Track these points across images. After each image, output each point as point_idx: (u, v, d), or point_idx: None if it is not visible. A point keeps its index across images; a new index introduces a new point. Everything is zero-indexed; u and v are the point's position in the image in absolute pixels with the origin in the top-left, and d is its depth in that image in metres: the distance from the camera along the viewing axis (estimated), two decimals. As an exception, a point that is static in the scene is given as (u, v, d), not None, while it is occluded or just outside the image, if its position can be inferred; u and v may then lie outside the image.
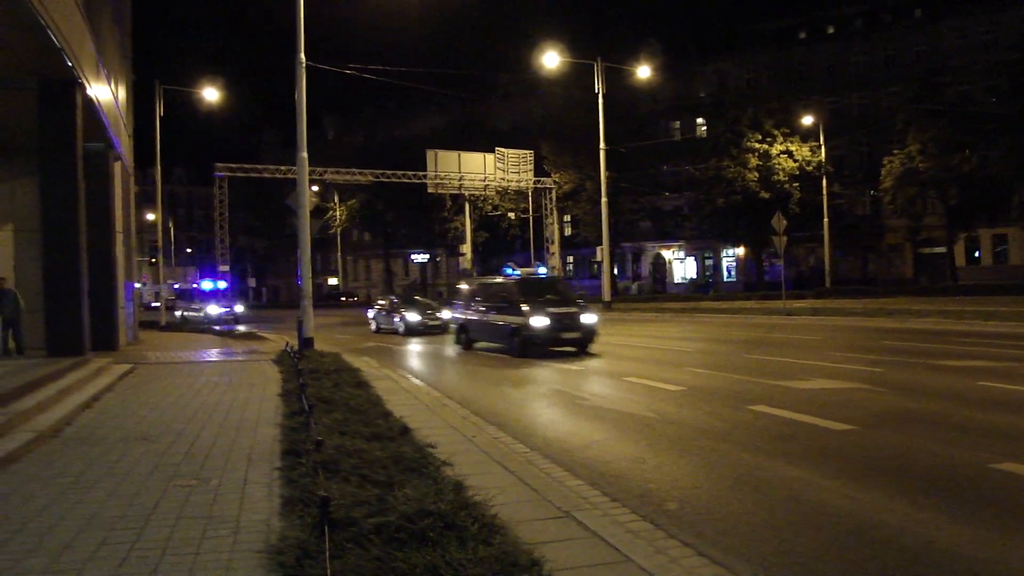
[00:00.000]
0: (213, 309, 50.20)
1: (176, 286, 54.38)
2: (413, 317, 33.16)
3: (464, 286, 27.75)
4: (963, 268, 57.35)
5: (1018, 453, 9.07)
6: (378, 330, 35.56)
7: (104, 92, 21.03)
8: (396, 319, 34.03)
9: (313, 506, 5.96)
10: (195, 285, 56.48)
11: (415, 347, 27.61)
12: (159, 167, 44.26)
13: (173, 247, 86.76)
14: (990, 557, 6.11)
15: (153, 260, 55.83)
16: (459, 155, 53.32)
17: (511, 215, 69.11)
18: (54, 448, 9.82)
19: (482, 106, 78.78)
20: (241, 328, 40.16)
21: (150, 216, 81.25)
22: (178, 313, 48.81)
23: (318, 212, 71.77)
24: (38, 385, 13.08)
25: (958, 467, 8.68)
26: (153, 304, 61.24)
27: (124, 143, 27.35)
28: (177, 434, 10.52)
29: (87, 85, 17.74)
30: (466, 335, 25.46)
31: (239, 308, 51.41)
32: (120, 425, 11.37)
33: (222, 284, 57.62)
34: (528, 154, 55.93)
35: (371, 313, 37.39)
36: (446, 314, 31.88)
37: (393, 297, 37.41)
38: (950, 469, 8.61)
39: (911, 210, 53.50)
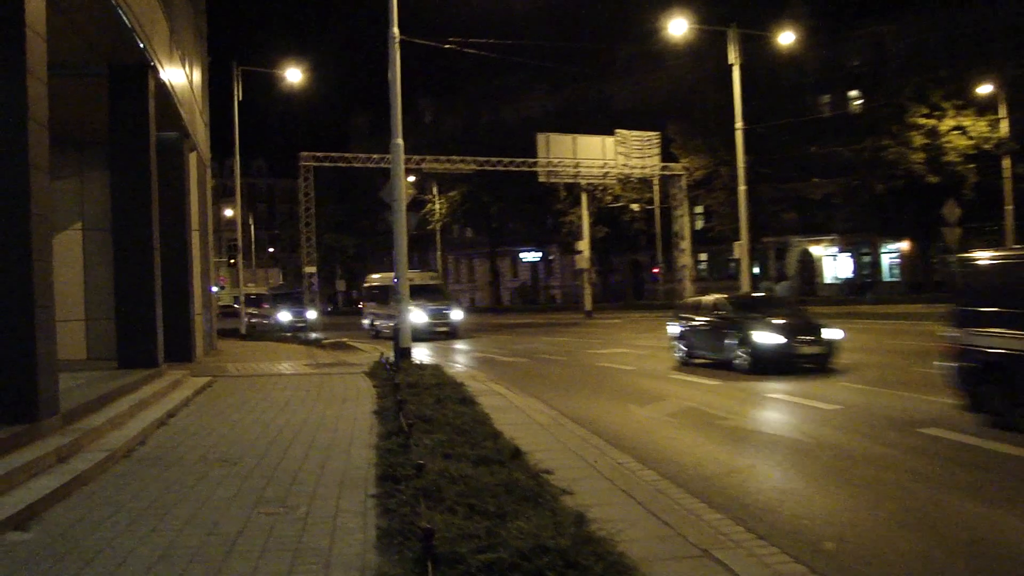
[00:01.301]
0: (419, 316, 50.11)
1: (367, 283, 55.30)
2: (774, 340, 20.41)
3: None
4: None
5: None
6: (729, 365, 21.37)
7: (178, 76, 21.66)
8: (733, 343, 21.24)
9: (414, 539, 5.96)
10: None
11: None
12: (237, 158, 45.27)
13: (253, 246, 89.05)
14: None
15: (232, 261, 57.38)
16: (574, 139, 53.19)
17: (634, 206, 68.63)
18: (127, 469, 10.12)
19: (599, 83, 78.55)
20: (314, 336, 40.91)
21: (228, 212, 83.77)
22: (366, 322, 47.84)
23: (415, 205, 72.62)
24: (109, 399, 13.50)
25: None
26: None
27: (200, 132, 28.13)
28: (260, 455, 10.72)
29: (160, 68, 18.28)
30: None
31: (312, 314, 51.87)
32: (198, 444, 11.65)
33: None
34: (653, 136, 55.48)
35: (675, 330, 24.17)
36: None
37: (720, 301, 23.64)
38: None
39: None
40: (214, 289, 36.56)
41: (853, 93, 68.96)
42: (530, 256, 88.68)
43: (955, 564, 6.94)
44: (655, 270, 73.93)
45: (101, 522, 7.78)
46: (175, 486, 9.15)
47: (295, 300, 53.17)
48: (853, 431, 12.50)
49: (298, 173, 51.65)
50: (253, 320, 49.46)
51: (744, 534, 7.52)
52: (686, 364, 22.77)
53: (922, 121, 54.28)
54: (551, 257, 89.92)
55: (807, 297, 65.89)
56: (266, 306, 52.80)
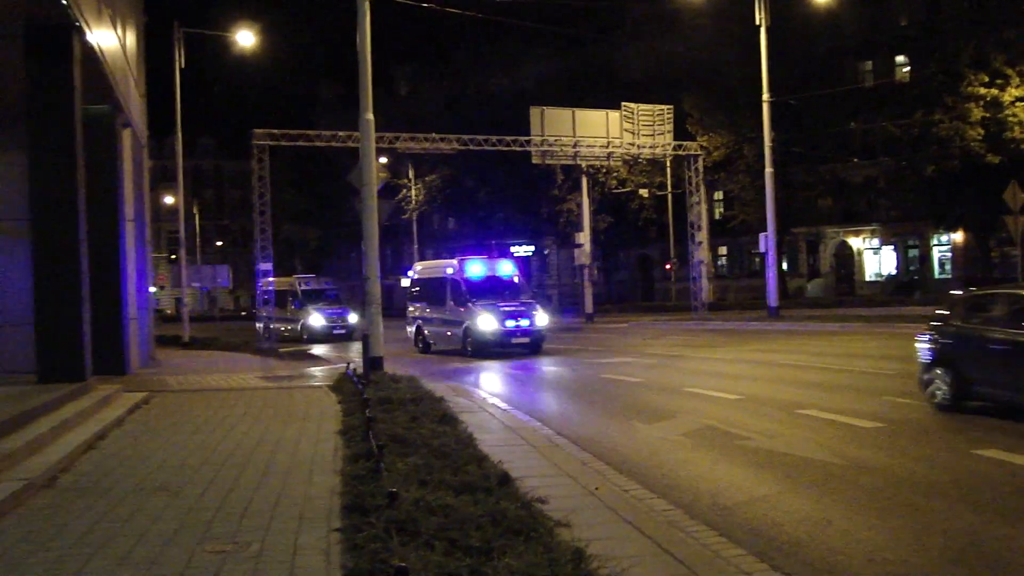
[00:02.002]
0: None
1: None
2: None
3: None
4: None
5: None
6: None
7: (109, 38, 21.56)
8: None
9: (385, 580, 5.98)
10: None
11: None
12: (180, 135, 45.11)
13: (199, 239, 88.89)
14: None
15: (174, 256, 57.22)
16: (573, 113, 53.10)
17: (643, 192, 68.71)
18: (49, 501, 10.10)
19: (604, 49, 78.39)
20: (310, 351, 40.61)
21: (169, 199, 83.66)
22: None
23: (388, 191, 72.67)
24: (27, 419, 13.46)
25: None
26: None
27: (135, 105, 28.07)
28: (207, 483, 10.73)
29: (86, 29, 18.12)
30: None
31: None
32: (133, 471, 11.65)
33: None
34: (665, 110, 55.40)
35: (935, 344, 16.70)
36: None
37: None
38: None
39: None
40: (152, 290, 36.48)
41: (900, 59, 69.05)
42: (522, 251, 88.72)
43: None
44: (667, 266, 74.09)
45: (18, 563, 7.78)
46: (106, 520, 9.15)
47: (329, 299, 53.38)
48: (896, 452, 12.56)
49: (251, 154, 51.47)
50: (273, 325, 47.51)
51: (770, 573, 7.59)
52: (952, 408, 15.58)
53: (982, 91, 54.31)
54: (546, 252, 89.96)
55: (844, 297, 66.09)
56: (293, 306, 51.75)
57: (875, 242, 73.98)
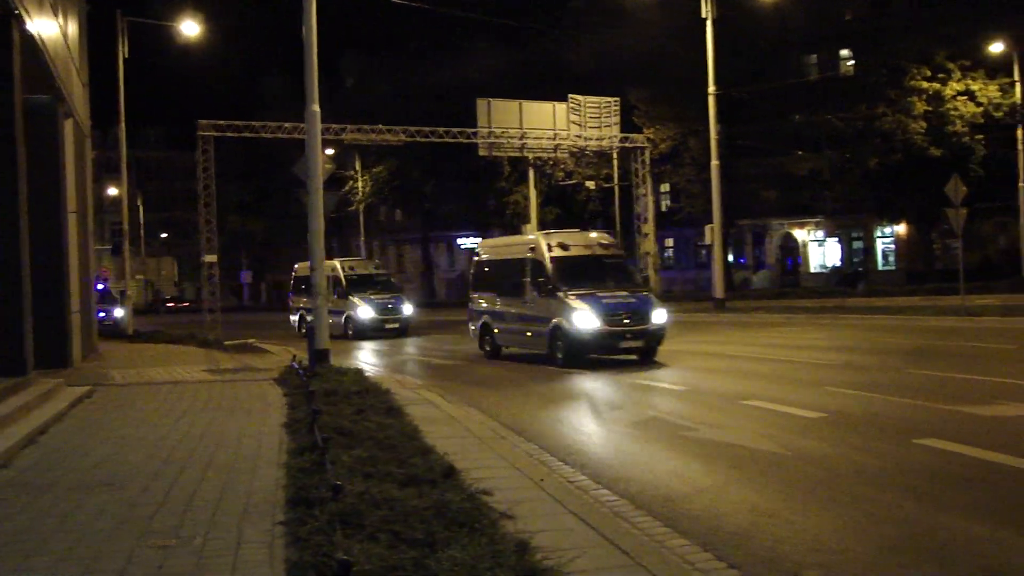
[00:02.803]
0: (365, 312, 46.82)
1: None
2: None
3: None
4: None
5: None
6: None
7: (50, 27, 21.33)
8: None
9: (329, 573, 5.96)
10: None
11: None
12: (123, 126, 44.63)
13: (143, 231, 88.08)
14: None
15: (117, 249, 56.62)
16: (520, 105, 53.11)
17: (590, 184, 68.75)
18: (-11, 496, 9.98)
19: (551, 41, 78.38)
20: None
21: (113, 191, 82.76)
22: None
23: (334, 184, 72.34)
24: (-31, 414, 13.30)
25: None
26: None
27: (77, 95, 27.76)
28: (150, 478, 10.62)
29: (26, 17, 17.92)
30: None
31: (119, 313, 50.39)
32: (75, 466, 11.52)
33: (99, 284, 57.14)
34: (612, 103, 55.53)
35: None
36: None
37: None
38: None
39: None
40: (100, 286, 36.01)
41: (845, 53, 69.56)
42: (469, 242, 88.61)
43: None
44: (615, 258, 74.20)
45: (-44, 559, 7.68)
46: (47, 516, 9.03)
47: (384, 287, 44.42)
48: (839, 442, 12.67)
49: (196, 145, 51.06)
50: (310, 318, 43.84)
51: (714, 563, 7.62)
52: None
53: (924, 85, 54.84)
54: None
55: (789, 289, 66.55)
56: (335, 295, 42.92)
57: (820, 234, 74.55)
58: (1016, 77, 54.96)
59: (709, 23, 45.86)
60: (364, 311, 40.97)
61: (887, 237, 70.62)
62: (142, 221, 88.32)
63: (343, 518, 7.20)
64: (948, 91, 54.61)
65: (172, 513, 8.97)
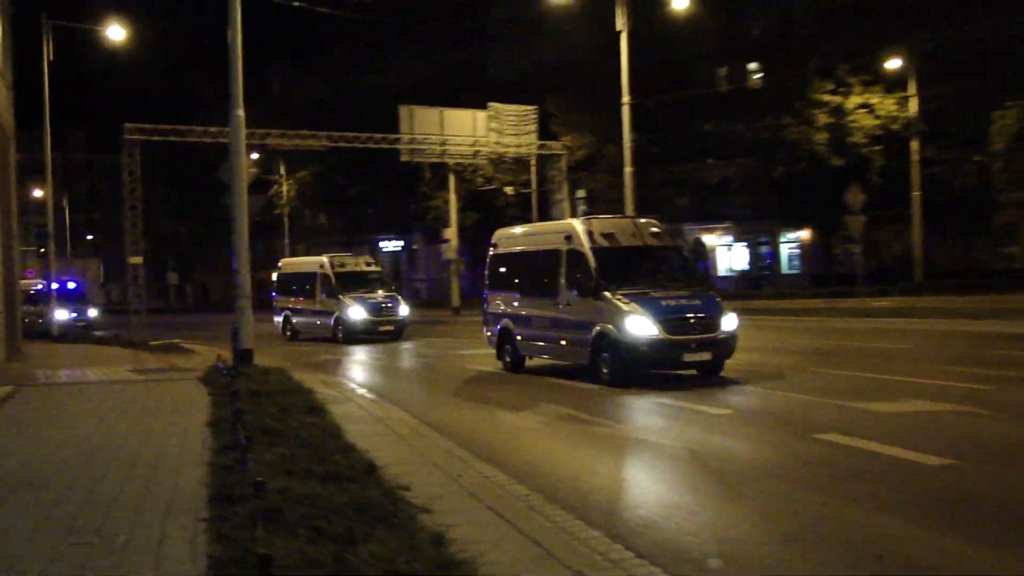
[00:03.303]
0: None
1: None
2: None
3: None
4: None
5: None
6: None
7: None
8: None
9: (250, 568, 5.93)
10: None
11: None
12: (48, 128, 43.95)
13: (69, 233, 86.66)
14: None
15: (43, 250, 55.69)
16: (441, 113, 53.07)
17: (508, 189, 68.83)
18: (-89, 496, 9.78)
19: (472, 51, 78.41)
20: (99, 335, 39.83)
21: (38, 192, 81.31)
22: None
23: (259, 187, 71.70)
24: None
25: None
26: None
27: (1, 96, 27.27)
28: (73, 477, 10.48)
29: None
30: None
31: (93, 313, 51.36)
32: (-1, 465, 11.34)
33: (71, 284, 56.55)
34: (531, 111, 55.70)
35: None
36: None
37: None
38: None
39: (1029, 180, 53.36)
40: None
41: (753, 66, 70.32)
42: (391, 245, 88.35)
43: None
44: (533, 261, 74.37)
45: None
46: (-31, 514, 8.90)
47: (376, 285, 38.87)
48: (743, 438, 12.85)
49: (122, 148, 50.35)
50: (297, 320, 40.40)
51: (623, 553, 7.64)
52: None
53: (827, 98, 55.61)
54: (415, 246, 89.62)
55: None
56: (323, 295, 38.27)
57: (728, 239, 75.28)
58: (911, 92, 56.14)
59: (623, 36, 46.07)
60: (355, 312, 35.71)
61: (792, 242, 71.52)
62: (67, 223, 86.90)
63: (265, 514, 7.16)
64: (849, 104, 55.49)
65: (96, 512, 8.86)
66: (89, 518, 8.62)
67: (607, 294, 19.01)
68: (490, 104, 53.78)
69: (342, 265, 38.71)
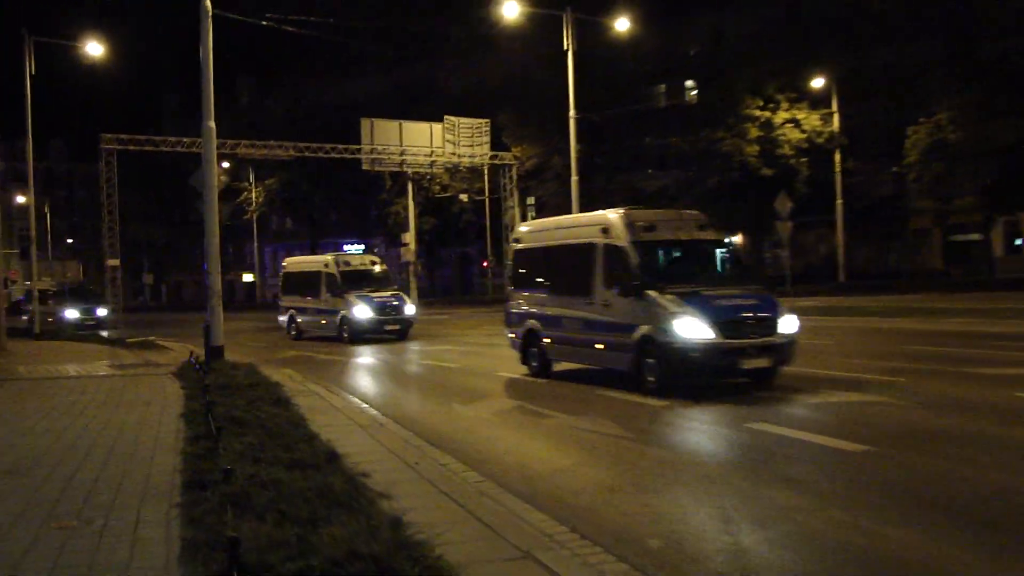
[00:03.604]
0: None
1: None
2: None
3: None
4: (1002, 258, 58.08)
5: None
6: None
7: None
8: None
9: (220, 549, 5.91)
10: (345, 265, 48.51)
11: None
12: (30, 138, 43.51)
13: (50, 236, 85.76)
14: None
15: (25, 253, 55.09)
16: (400, 125, 53.07)
17: (463, 197, 68.89)
18: (-101, 484, 9.64)
19: (430, 67, 78.33)
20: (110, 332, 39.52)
21: (20, 199, 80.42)
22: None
23: (229, 194, 71.25)
24: None
25: (998, 495, 8.80)
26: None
27: (-12, 110, 26.92)
28: (53, 465, 10.39)
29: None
30: None
31: (102, 311, 50.63)
32: (-18, 454, 11.21)
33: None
34: (483, 124, 55.84)
35: None
36: None
37: None
38: (986, 498, 8.73)
39: (939, 189, 53.99)
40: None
41: (689, 83, 70.69)
42: (354, 248, 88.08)
43: (775, 554, 7.28)
44: (484, 263, 74.44)
45: None
46: (-46, 500, 8.80)
47: (382, 283, 35.21)
48: (680, 427, 12.93)
49: (100, 157, 49.97)
50: (302, 319, 36.82)
51: (568, 534, 7.65)
52: None
53: (757, 113, 56.13)
54: (376, 249, 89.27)
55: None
56: (329, 293, 34.42)
57: (667, 243, 75.49)
58: (834, 109, 56.92)
59: (570, 54, 46.20)
60: (361, 311, 32.48)
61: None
62: (49, 227, 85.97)
63: (234, 499, 7.14)
64: (777, 119, 56.05)
65: (75, 498, 8.79)
66: (69, 503, 8.56)
67: (652, 293, 16.03)
68: (446, 117, 53.90)
69: (347, 263, 35.52)
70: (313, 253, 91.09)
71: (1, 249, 31.53)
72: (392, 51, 68.15)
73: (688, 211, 19.98)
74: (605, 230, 17.62)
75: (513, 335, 20.63)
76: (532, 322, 19.76)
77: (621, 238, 17.11)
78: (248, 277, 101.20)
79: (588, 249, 18.00)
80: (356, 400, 16.49)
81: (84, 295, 54.28)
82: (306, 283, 36.32)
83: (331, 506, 7.14)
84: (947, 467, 9.90)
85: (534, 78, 61.15)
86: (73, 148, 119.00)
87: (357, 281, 34.13)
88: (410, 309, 34.15)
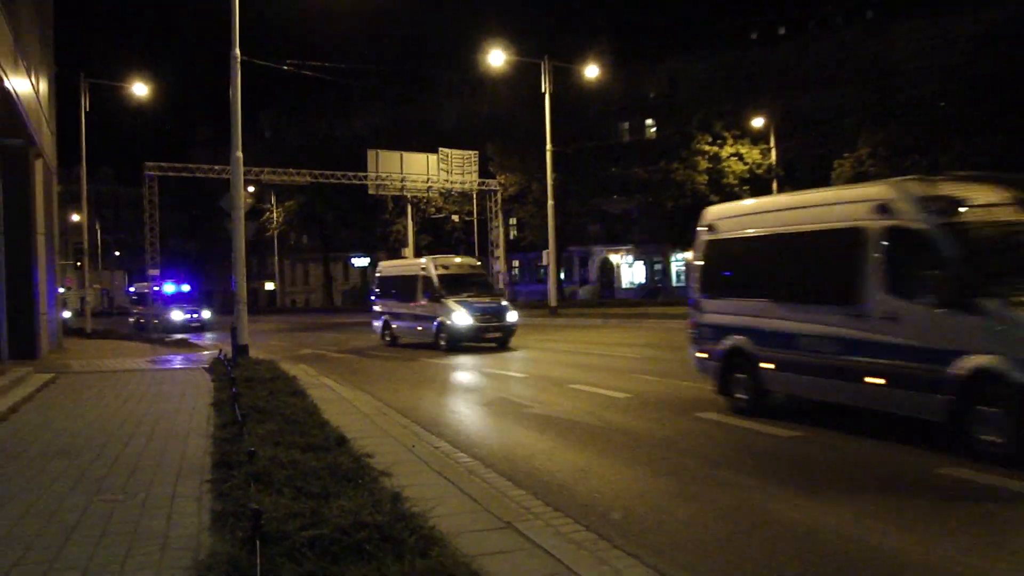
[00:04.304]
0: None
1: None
2: None
3: None
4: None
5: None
6: None
7: (23, 84, 20.60)
8: None
9: (244, 520, 5.90)
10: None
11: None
12: (84, 165, 43.62)
13: (100, 250, 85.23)
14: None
15: (79, 264, 54.93)
16: (401, 155, 53.09)
17: (455, 217, 69.01)
18: (-32, 462, 9.58)
19: (426, 105, 78.63)
20: (209, 336, 39.37)
21: (75, 217, 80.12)
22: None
23: (253, 214, 71.06)
24: (-49, 396, 12.77)
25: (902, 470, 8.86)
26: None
27: (46, 139, 26.83)
28: (101, 447, 10.34)
29: (3, 77, 17.32)
30: None
31: (206, 314, 50.29)
32: (39, 439, 11.14)
33: (185, 287, 55.75)
34: (472, 155, 55.88)
35: None
36: None
37: None
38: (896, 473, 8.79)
39: (862, 214, 54.27)
40: (60, 290, 34.74)
41: (649, 121, 71.31)
42: (360, 261, 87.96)
43: (720, 526, 7.32)
44: (474, 275, 74.46)
45: (-60, 512, 7.38)
46: (15, 478, 8.75)
47: (482, 288, 29.18)
48: (641, 416, 12.93)
49: (143, 181, 49.90)
50: (397, 325, 30.59)
51: (543, 508, 7.69)
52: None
53: (706, 148, 56.54)
54: (379, 262, 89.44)
55: (607, 299, 67.56)
56: (425, 298, 28.43)
57: (630, 258, 75.87)
58: (772, 144, 57.31)
59: (547, 96, 46.37)
60: (461, 317, 26.60)
61: (679, 261, 72.19)
62: (99, 241, 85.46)
63: (256, 477, 7.12)
64: (724, 153, 56.43)
65: (119, 475, 8.77)
66: (114, 480, 8.54)
67: (993, 304, 9.13)
68: (440, 149, 54.03)
69: (446, 267, 29.10)
70: (325, 265, 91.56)
71: (58, 260, 31.34)
72: (394, 91, 68.36)
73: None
74: (883, 208, 10.53)
75: (704, 355, 13.93)
76: (739, 339, 12.94)
77: (914, 220, 10.14)
78: (270, 285, 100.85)
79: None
80: (362, 393, 16.43)
81: (187, 299, 53.81)
82: (402, 287, 30.37)
83: (340, 482, 7.13)
84: (853, 446, 9.95)
85: (517, 116, 61.37)
86: (120, 173, 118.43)
87: (456, 285, 28.16)
88: (513, 316, 27.91)
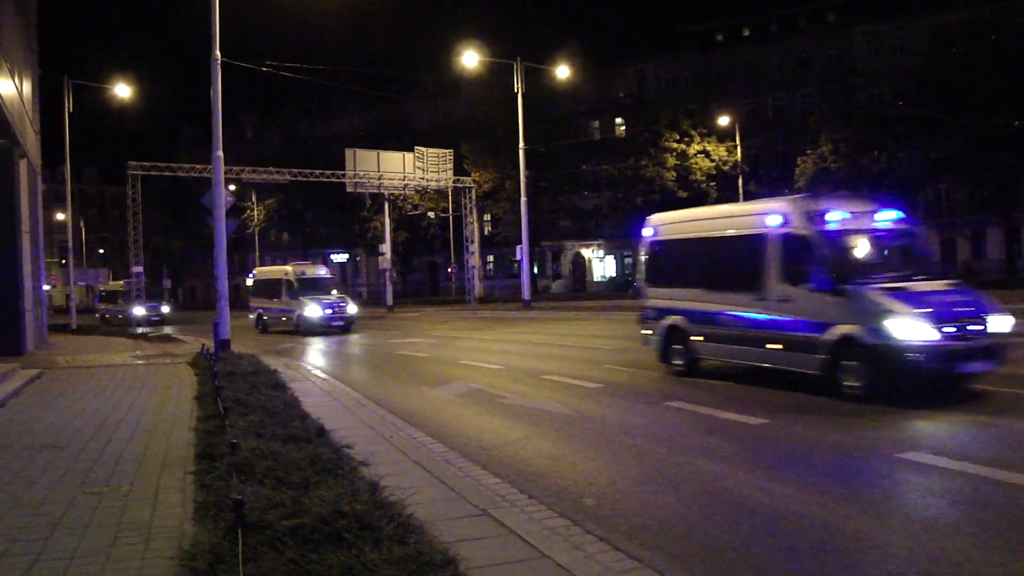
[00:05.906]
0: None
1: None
2: None
3: None
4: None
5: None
6: None
7: (7, 85, 20.40)
8: None
9: (227, 510, 5.88)
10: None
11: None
12: (68, 165, 43.25)
13: (84, 248, 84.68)
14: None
15: (64, 261, 54.56)
16: (378, 154, 53.01)
17: (431, 214, 69.00)
18: (-44, 456, 9.49)
19: (403, 105, 78.41)
20: (168, 330, 39.71)
21: (60, 216, 79.45)
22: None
23: (235, 212, 70.69)
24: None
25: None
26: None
27: (30, 140, 26.57)
28: (87, 440, 10.26)
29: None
30: None
31: (165, 308, 51.78)
32: (25, 432, 11.04)
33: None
34: (448, 153, 55.84)
35: None
36: None
37: None
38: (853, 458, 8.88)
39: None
40: (45, 287, 34.48)
41: (619, 120, 71.38)
42: (339, 257, 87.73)
43: (688, 510, 7.36)
44: (449, 269, 74.48)
45: (-72, 505, 7.30)
46: (2, 471, 8.66)
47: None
48: (612, 405, 12.99)
49: (127, 181, 49.47)
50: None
51: (518, 495, 7.69)
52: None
53: (674, 145, 56.80)
54: (358, 258, 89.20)
55: (578, 293, 67.69)
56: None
57: (601, 253, 75.97)
58: (737, 142, 57.58)
59: (520, 96, 46.39)
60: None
61: (648, 255, 72.35)
62: (83, 240, 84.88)
63: (238, 468, 7.09)
64: (691, 150, 56.69)
65: (104, 467, 8.71)
66: (100, 472, 8.49)
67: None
68: (416, 148, 54.02)
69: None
70: (306, 260, 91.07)
71: (43, 258, 31.07)
72: (372, 92, 68.09)
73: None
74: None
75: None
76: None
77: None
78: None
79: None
80: (341, 385, 16.42)
81: (149, 295, 54.43)
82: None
83: (320, 473, 7.10)
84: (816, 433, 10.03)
85: (490, 115, 61.36)
86: (104, 173, 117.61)
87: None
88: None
